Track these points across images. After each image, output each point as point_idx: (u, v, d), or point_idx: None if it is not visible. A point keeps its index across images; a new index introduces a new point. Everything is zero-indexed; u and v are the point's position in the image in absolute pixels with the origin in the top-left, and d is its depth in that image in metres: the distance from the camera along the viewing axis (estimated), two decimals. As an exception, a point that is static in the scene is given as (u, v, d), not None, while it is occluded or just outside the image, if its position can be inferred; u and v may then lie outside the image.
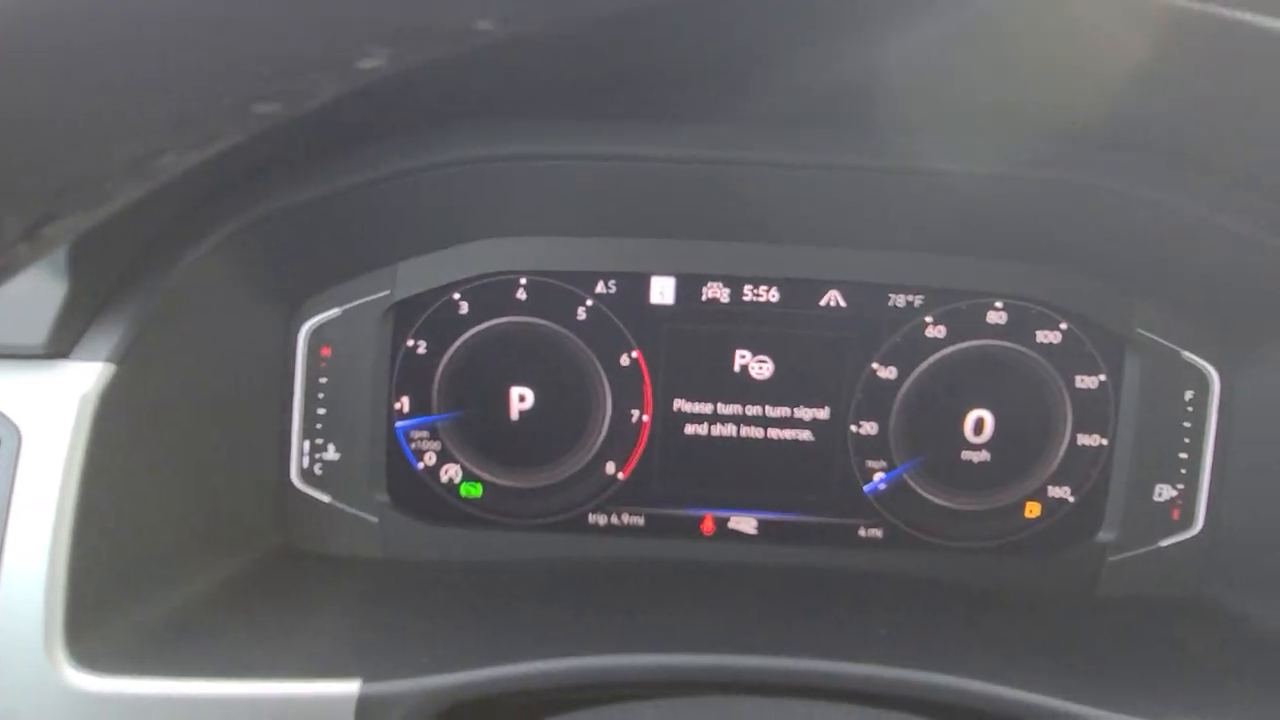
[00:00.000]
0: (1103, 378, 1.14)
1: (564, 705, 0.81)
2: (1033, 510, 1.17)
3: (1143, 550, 1.15)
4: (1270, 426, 1.09)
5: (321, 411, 1.15)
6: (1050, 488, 1.17)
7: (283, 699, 0.80)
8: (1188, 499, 1.14)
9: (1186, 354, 1.12)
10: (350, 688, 0.80)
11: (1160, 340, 1.12)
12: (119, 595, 0.88)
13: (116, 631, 0.85)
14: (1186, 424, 1.13)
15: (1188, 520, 1.14)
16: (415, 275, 1.14)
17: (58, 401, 0.84)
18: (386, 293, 1.14)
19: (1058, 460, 1.16)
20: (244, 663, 0.83)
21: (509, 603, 1.06)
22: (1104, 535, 1.16)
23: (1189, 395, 1.13)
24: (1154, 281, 1.09)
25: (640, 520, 1.19)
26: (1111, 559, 1.16)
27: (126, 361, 0.88)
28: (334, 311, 1.14)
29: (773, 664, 0.87)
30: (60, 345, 0.87)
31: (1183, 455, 1.13)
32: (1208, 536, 1.14)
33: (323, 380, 1.15)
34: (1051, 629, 1.08)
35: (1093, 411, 1.15)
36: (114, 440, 0.86)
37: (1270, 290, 1.02)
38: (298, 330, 1.14)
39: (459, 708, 0.82)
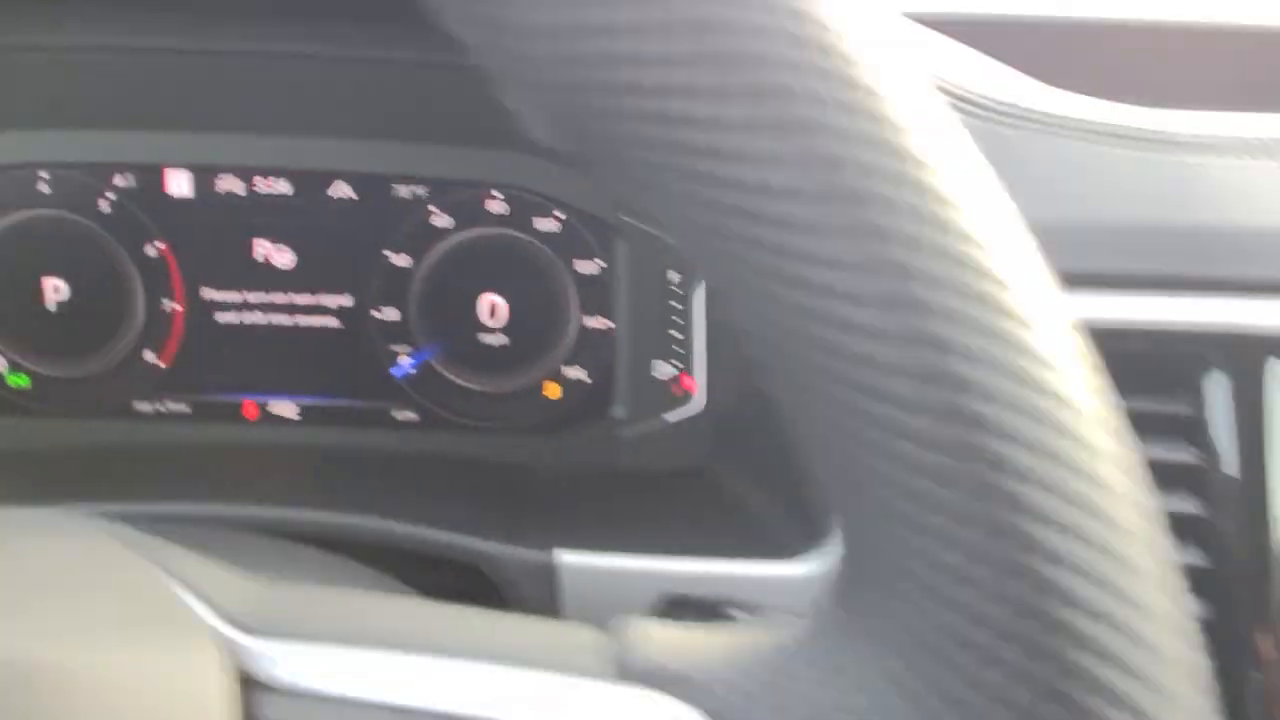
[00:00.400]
0: (600, 262, 1.21)
1: None
2: (552, 391, 1.25)
3: (650, 426, 1.23)
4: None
5: None
6: (565, 369, 1.24)
7: None
8: (687, 376, 1.22)
9: (667, 238, 1.20)
10: None
11: (643, 226, 1.19)
12: None
13: None
14: (676, 305, 1.21)
15: (689, 397, 1.22)
16: (-67, 168, 1.17)
17: None
18: None
19: (569, 343, 1.23)
20: None
21: (36, 487, 1.11)
22: (616, 412, 1.24)
23: (677, 278, 1.20)
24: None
25: (185, 407, 1.24)
26: (623, 434, 1.24)
27: None
28: None
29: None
30: None
31: (677, 335, 1.21)
32: (710, 413, 1.22)
33: None
34: (545, 496, 1.16)
35: (595, 295, 1.22)
36: None
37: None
38: None
39: None
